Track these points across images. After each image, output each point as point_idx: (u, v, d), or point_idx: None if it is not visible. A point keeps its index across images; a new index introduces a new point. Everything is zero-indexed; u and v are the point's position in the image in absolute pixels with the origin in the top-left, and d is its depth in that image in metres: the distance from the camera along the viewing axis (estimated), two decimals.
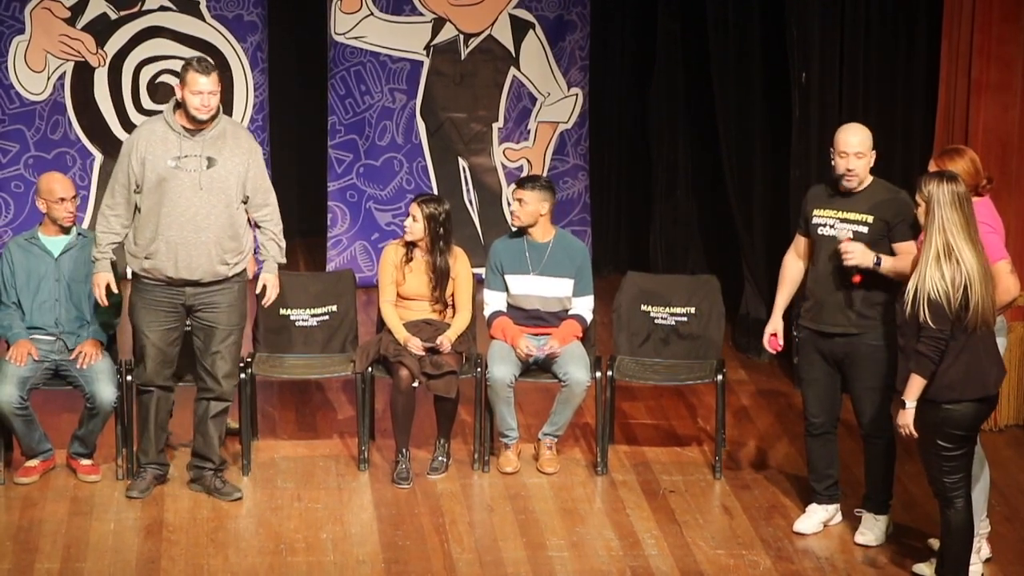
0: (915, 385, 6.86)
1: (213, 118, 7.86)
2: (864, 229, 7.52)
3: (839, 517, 7.95)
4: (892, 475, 7.81)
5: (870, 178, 7.60)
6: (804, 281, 7.87)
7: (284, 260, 8.24)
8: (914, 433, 6.95)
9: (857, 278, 7.48)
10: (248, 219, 8.09)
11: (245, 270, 8.14)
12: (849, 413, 7.85)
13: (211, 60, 7.91)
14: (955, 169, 7.19)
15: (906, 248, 7.41)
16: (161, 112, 7.98)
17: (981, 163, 7.39)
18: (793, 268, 7.90)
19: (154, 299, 8.00)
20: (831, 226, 7.59)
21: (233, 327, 8.10)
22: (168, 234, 7.87)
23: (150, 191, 7.86)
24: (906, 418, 6.93)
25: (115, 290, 8.06)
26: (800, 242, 7.83)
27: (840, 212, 7.58)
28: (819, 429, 7.80)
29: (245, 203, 8.02)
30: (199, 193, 7.86)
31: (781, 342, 7.87)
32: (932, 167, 7.28)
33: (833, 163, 7.58)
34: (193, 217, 7.87)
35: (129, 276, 8.12)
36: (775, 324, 7.88)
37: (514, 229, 8.66)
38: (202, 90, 7.78)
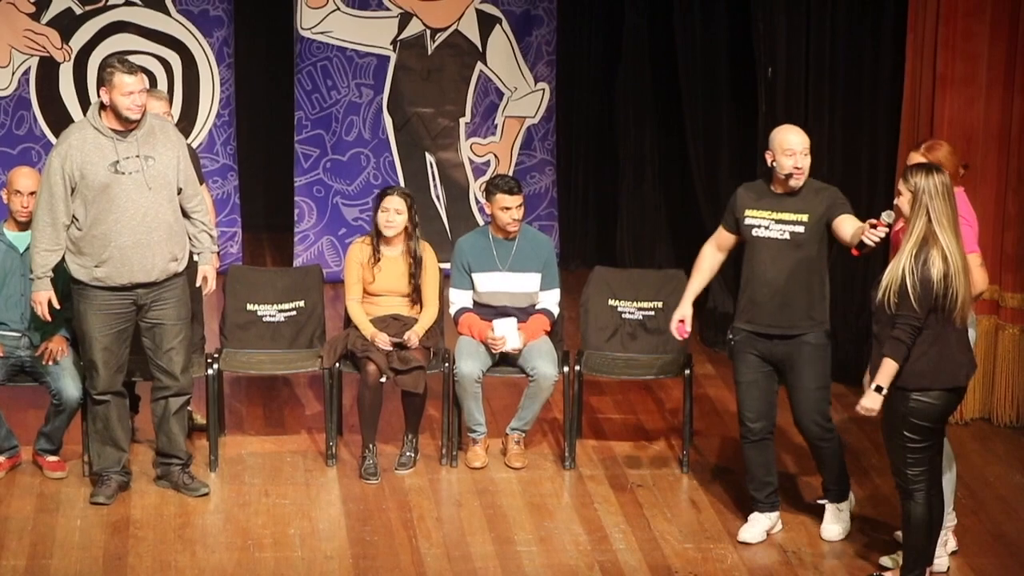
0: (888, 369, 6.82)
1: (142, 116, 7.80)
2: (801, 228, 7.52)
3: (780, 525, 7.89)
4: (845, 465, 7.78)
5: None
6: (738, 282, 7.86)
7: (217, 248, 8.18)
8: (874, 413, 6.92)
9: (856, 252, 7.40)
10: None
11: (188, 264, 8.11)
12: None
13: (131, 60, 7.80)
14: (938, 158, 7.21)
15: (849, 219, 7.39)
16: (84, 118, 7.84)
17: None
18: (711, 259, 7.90)
19: (105, 303, 7.88)
20: (766, 227, 7.59)
21: (183, 321, 8.06)
22: (120, 240, 7.77)
23: (94, 200, 7.73)
24: (875, 403, 6.88)
25: (57, 306, 7.91)
26: (723, 236, 7.83)
27: (775, 213, 7.57)
28: (757, 435, 7.72)
29: (178, 194, 7.97)
30: (147, 193, 7.77)
31: (688, 328, 7.87)
32: (917, 158, 7.28)
33: (773, 164, 7.54)
34: (143, 219, 7.79)
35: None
36: (683, 310, 7.87)
37: (489, 234, 8.62)
38: (132, 90, 7.66)
